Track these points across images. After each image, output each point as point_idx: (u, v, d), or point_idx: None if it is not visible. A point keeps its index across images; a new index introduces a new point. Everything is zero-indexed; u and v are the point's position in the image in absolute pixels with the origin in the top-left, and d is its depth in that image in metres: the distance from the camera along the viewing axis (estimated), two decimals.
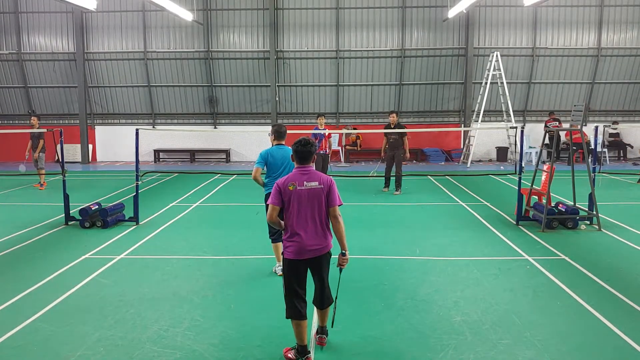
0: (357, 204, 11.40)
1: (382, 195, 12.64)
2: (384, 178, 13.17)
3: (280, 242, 6.04)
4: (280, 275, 6.37)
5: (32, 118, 14.03)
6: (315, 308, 4.74)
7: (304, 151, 4.40)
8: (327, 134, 12.32)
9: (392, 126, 12.72)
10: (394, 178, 12.97)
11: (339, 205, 4.45)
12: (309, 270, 4.52)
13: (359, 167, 18.83)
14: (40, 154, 13.93)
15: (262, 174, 6.49)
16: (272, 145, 6.60)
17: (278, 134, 6.59)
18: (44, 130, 11.34)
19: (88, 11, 18.40)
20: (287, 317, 4.46)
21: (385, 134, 12.88)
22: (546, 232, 8.83)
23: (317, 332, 4.86)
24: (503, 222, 9.72)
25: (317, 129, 12.80)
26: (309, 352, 4.51)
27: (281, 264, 6.41)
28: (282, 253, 4.52)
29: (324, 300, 4.62)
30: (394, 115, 12.71)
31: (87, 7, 12.45)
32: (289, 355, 4.51)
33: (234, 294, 6.14)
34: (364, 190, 13.31)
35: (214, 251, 7.89)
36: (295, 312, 4.41)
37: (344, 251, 4.52)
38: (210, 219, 10.25)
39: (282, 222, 4.50)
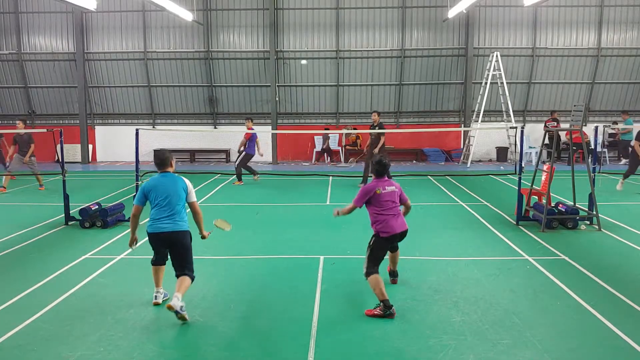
0: None
1: None
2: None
3: (161, 266, 5.71)
4: (155, 305, 5.73)
5: (18, 122, 13.50)
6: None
7: (380, 171, 5.97)
8: (245, 134, 14.14)
9: (375, 125, 13.65)
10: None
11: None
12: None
13: (360, 167, 18.79)
14: (31, 157, 13.43)
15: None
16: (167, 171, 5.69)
17: (156, 162, 5.65)
18: (31, 131, 11.13)
19: (88, 11, 18.40)
20: (366, 275, 5.59)
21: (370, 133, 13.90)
22: (546, 232, 8.82)
23: (390, 275, 6.41)
24: (503, 222, 9.72)
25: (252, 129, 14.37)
26: (392, 305, 5.41)
27: (159, 290, 5.82)
28: (378, 234, 5.80)
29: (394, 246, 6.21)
30: (376, 114, 13.73)
31: (87, 7, 12.46)
32: (376, 312, 5.42)
33: (233, 293, 6.14)
34: None
35: (214, 251, 7.88)
36: (375, 270, 5.62)
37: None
38: (209, 219, 10.22)
39: None
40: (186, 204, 5.70)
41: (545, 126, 16.85)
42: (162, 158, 5.64)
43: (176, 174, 5.73)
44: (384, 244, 5.88)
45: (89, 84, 20.73)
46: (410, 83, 20.42)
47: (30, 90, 20.94)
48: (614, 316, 5.35)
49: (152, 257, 5.82)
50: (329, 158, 20.58)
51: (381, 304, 5.40)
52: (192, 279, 5.58)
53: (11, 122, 21.19)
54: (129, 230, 5.85)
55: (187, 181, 5.74)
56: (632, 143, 12.96)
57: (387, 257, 6.17)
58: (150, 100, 20.85)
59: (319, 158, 20.61)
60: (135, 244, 5.82)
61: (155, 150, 5.72)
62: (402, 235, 5.99)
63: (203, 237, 5.96)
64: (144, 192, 5.59)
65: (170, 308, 5.14)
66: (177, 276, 5.55)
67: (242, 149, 14.58)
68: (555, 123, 18.17)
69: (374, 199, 5.88)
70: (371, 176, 6.19)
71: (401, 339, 4.92)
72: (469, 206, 11.17)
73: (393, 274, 6.46)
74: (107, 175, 17.08)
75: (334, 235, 8.82)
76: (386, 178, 6.04)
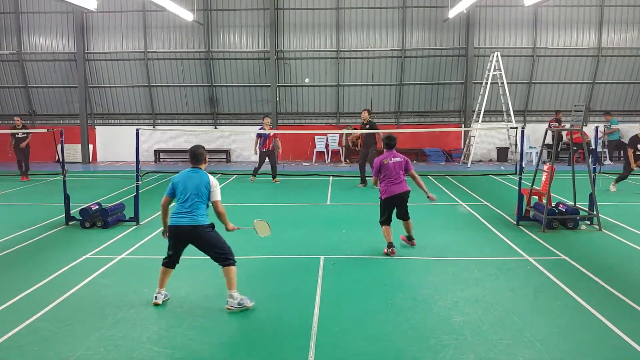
0: (356, 204, 11.41)
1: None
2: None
3: (170, 269, 5.74)
4: (155, 305, 5.67)
5: None
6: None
7: (390, 144, 7.72)
8: (271, 134, 13.87)
9: (364, 123, 13.50)
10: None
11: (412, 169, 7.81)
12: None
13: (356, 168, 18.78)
14: None
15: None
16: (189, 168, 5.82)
17: (190, 156, 5.83)
18: (32, 131, 11.12)
19: (88, 11, 18.41)
20: (380, 223, 7.62)
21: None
22: (546, 233, 8.82)
23: (407, 239, 7.89)
24: (503, 222, 9.72)
25: (262, 129, 14.04)
26: (394, 246, 7.49)
27: (161, 291, 5.75)
28: (381, 197, 7.60)
29: (405, 215, 7.71)
30: (365, 112, 13.55)
31: (87, 7, 12.46)
32: (385, 250, 7.47)
33: None
34: (364, 189, 13.31)
35: None
36: (387, 221, 7.58)
37: (428, 195, 7.71)
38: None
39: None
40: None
41: (548, 126, 16.86)
42: (195, 153, 5.79)
43: (205, 172, 5.80)
44: (386, 204, 7.55)
45: (90, 84, 20.73)
46: (410, 83, 20.42)
47: (31, 90, 20.95)
48: (614, 316, 5.35)
49: (163, 256, 5.85)
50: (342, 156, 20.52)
51: (387, 244, 7.47)
52: (234, 263, 5.69)
53: (12, 122, 21.19)
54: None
55: (212, 179, 5.78)
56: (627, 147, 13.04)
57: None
58: (150, 100, 20.85)
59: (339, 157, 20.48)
60: (166, 235, 5.84)
61: (192, 146, 5.85)
62: (403, 196, 7.48)
63: (227, 230, 6.04)
64: (172, 185, 5.74)
65: (230, 309, 5.55)
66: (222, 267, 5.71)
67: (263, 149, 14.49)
68: (557, 124, 18.17)
69: (383, 168, 7.50)
70: (384, 151, 7.55)
71: (401, 339, 4.92)
72: (469, 206, 11.17)
73: (409, 239, 7.86)
74: (108, 175, 17.08)
75: (334, 235, 8.82)
76: (394, 151, 7.58)
